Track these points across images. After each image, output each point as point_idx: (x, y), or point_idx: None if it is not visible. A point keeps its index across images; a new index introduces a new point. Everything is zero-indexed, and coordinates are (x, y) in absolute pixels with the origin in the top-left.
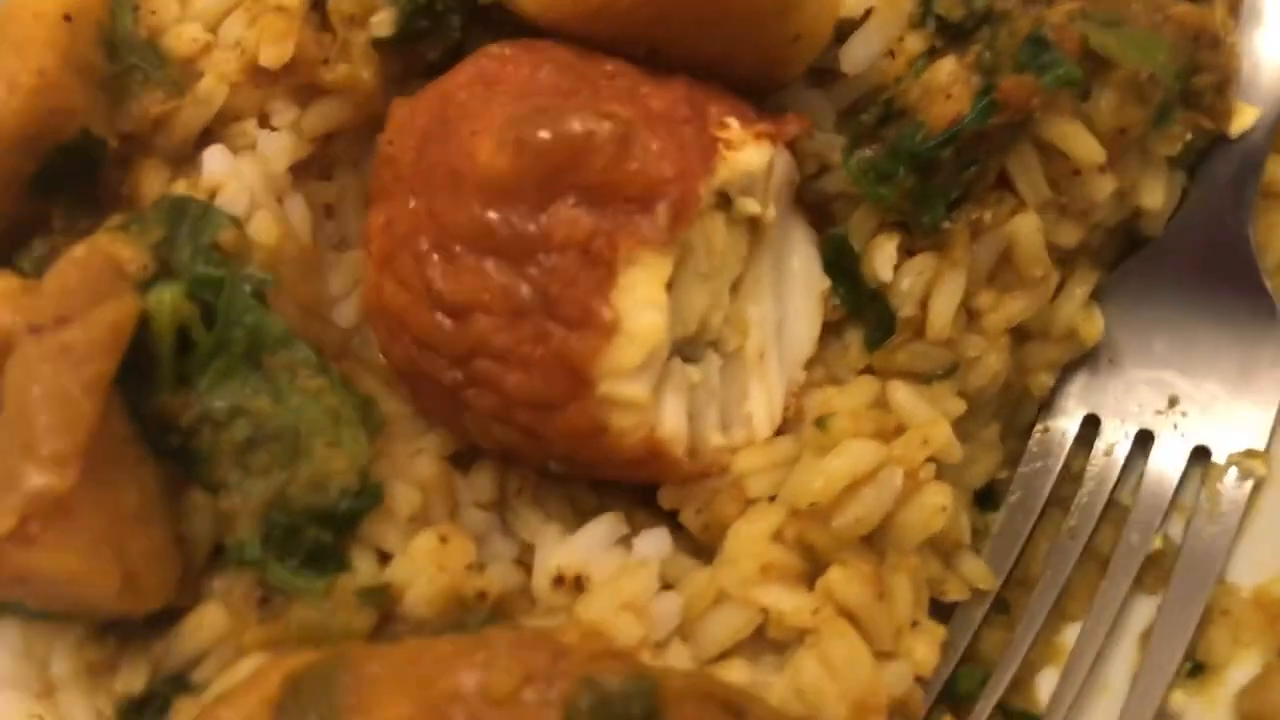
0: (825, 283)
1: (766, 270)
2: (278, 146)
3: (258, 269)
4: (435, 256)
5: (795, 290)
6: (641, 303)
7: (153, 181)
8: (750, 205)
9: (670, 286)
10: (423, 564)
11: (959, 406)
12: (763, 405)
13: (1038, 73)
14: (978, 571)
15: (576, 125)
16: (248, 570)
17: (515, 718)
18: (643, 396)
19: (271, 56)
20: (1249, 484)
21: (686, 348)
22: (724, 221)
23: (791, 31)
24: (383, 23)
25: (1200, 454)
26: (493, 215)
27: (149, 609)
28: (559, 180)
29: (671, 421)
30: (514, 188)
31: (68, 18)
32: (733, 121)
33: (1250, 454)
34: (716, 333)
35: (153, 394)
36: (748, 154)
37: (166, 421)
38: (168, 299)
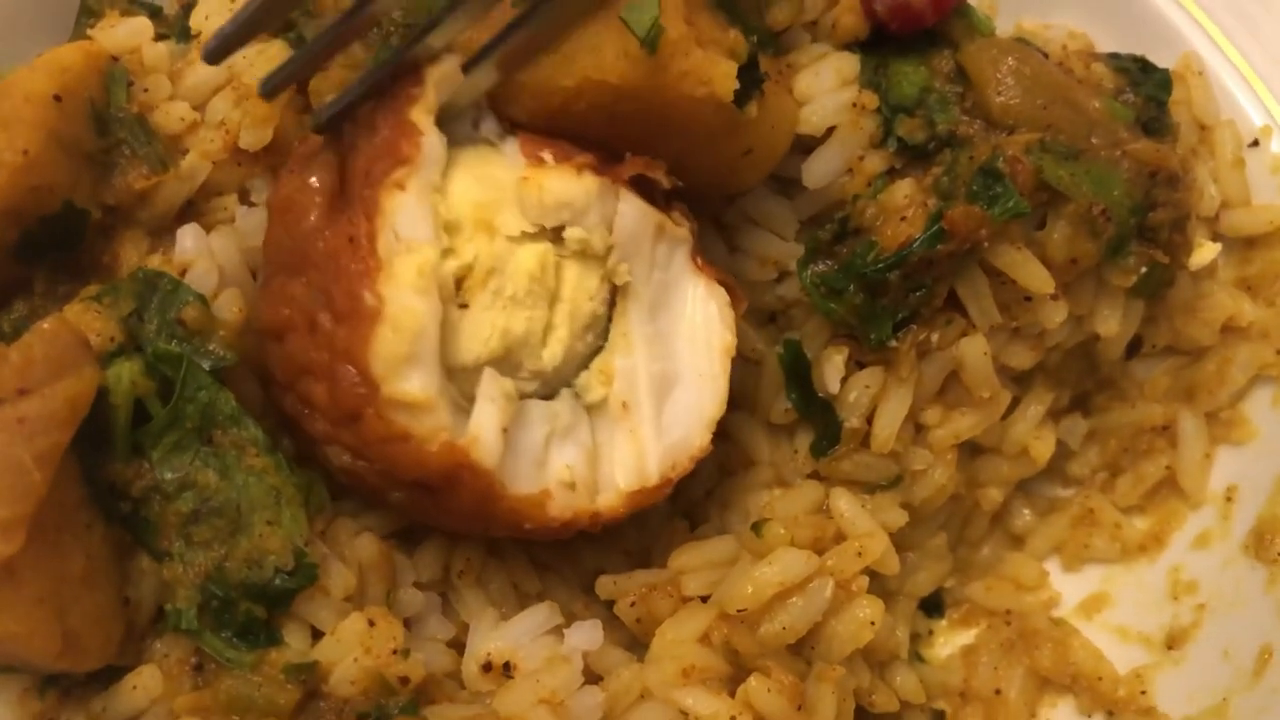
0: (730, 341)
1: (637, 325)
2: (255, 221)
3: (220, 345)
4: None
5: (693, 350)
6: (405, 289)
7: (131, 253)
8: (577, 233)
9: (465, 304)
10: (349, 645)
11: (900, 518)
12: (629, 457)
13: (988, 203)
14: (909, 685)
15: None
16: (184, 637)
17: None
18: (423, 395)
19: (252, 140)
20: None
21: (518, 373)
22: (546, 252)
23: (743, 146)
24: None
25: None
26: (278, 230)
27: (89, 668)
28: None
29: (477, 429)
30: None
31: (57, 98)
32: (547, 155)
33: None
34: (570, 377)
35: (107, 461)
36: (560, 182)
37: (119, 488)
38: (126, 374)
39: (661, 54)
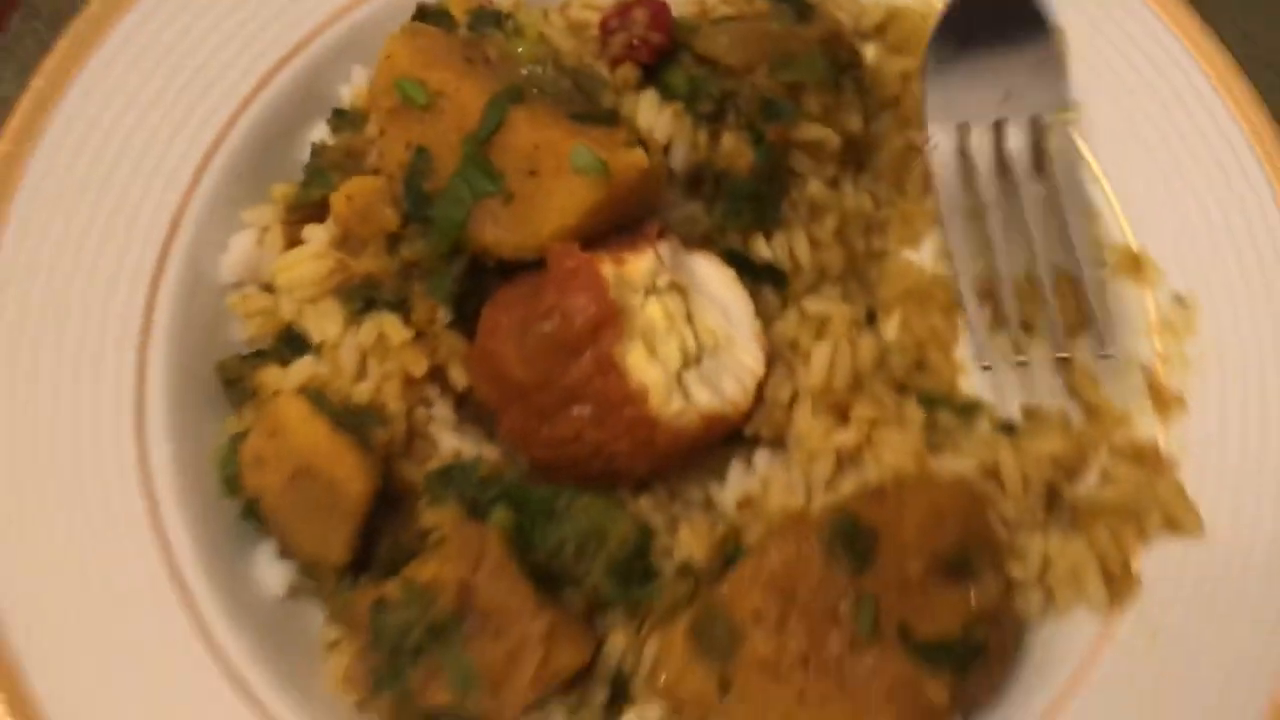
0: (736, 281)
1: (701, 300)
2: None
3: None
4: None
5: (726, 295)
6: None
7: None
8: (664, 279)
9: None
10: None
11: None
12: (748, 356)
13: (776, 117)
14: None
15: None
16: None
17: None
18: (681, 413)
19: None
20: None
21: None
22: (657, 299)
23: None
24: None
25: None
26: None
27: None
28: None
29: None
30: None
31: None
32: (626, 255)
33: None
34: (700, 343)
35: None
36: (638, 262)
37: None
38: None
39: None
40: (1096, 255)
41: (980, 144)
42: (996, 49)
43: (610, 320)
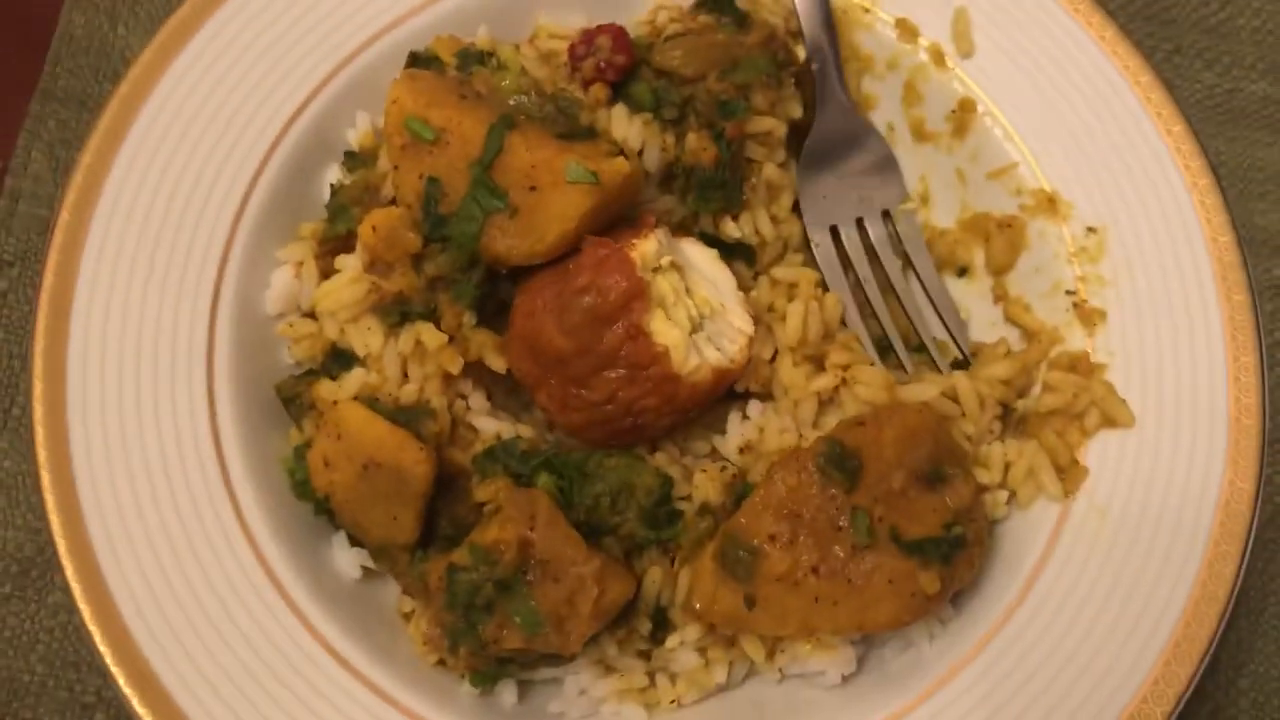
0: (718, 258)
1: (694, 275)
2: None
3: None
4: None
5: (711, 270)
6: (663, 329)
7: None
8: (666, 260)
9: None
10: None
11: None
12: (738, 319)
13: (731, 114)
14: None
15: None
16: None
17: None
18: (698, 367)
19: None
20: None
21: (694, 330)
22: (663, 276)
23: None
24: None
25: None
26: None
27: None
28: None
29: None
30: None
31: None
32: (634, 241)
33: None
34: (699, 311)
35: None
36: (646, 245)
37: None
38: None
39: (604, 188)
40: (1020, 201)
41: (850, 237)
42: (848, 162)
43: (639, 294)
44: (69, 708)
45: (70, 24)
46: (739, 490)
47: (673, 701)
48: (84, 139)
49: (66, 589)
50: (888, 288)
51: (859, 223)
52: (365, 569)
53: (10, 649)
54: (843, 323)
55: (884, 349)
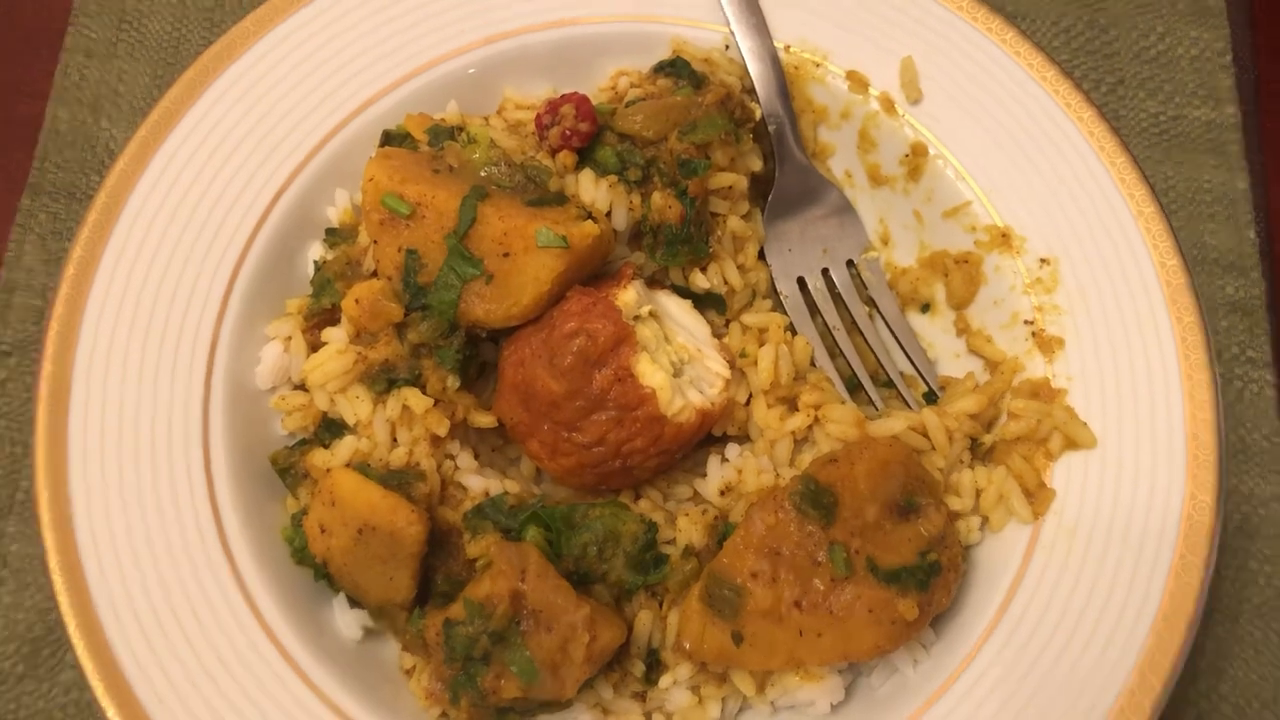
0: (691, 307)
1: (670, 323)
2: None
3: None
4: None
5: (687, 319)
6: (649, 372)
7: None
8: (645, 309)
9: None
10: None
11: None
12: (715, 364)
13: (692, 173)
14: None
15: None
16: None
17: None
18: (684, 410)
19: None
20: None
21: (676, 373)
22: (643, 323)
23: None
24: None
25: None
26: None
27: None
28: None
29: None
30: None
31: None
32: (615, 291)
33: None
34: (679, 357)
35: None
36: (627, 294)
37: None
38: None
39: (574, 250)
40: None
41: (816, 288)
42: (810, 215)
43: (626, 337)
44: None
45: (55, 119)
46: (721, 531)
47: None
48: (75, 230)
49: (78, 666)
50: (854, 328)
51: (824, 273)
52: (366, 629)
53: None
54: (813, 363)
55: (853, 387)
